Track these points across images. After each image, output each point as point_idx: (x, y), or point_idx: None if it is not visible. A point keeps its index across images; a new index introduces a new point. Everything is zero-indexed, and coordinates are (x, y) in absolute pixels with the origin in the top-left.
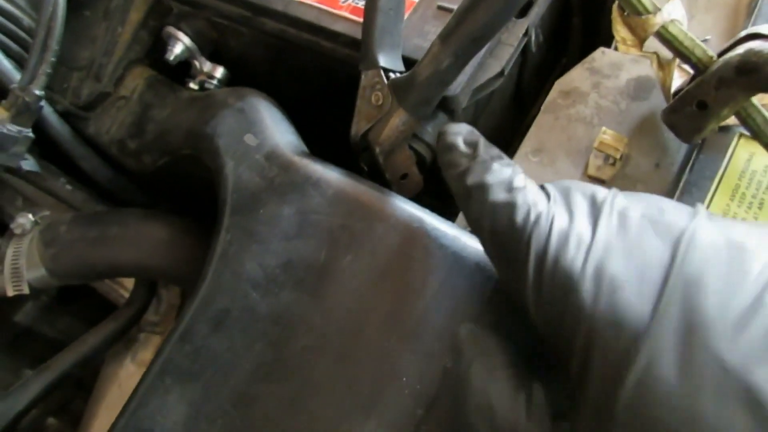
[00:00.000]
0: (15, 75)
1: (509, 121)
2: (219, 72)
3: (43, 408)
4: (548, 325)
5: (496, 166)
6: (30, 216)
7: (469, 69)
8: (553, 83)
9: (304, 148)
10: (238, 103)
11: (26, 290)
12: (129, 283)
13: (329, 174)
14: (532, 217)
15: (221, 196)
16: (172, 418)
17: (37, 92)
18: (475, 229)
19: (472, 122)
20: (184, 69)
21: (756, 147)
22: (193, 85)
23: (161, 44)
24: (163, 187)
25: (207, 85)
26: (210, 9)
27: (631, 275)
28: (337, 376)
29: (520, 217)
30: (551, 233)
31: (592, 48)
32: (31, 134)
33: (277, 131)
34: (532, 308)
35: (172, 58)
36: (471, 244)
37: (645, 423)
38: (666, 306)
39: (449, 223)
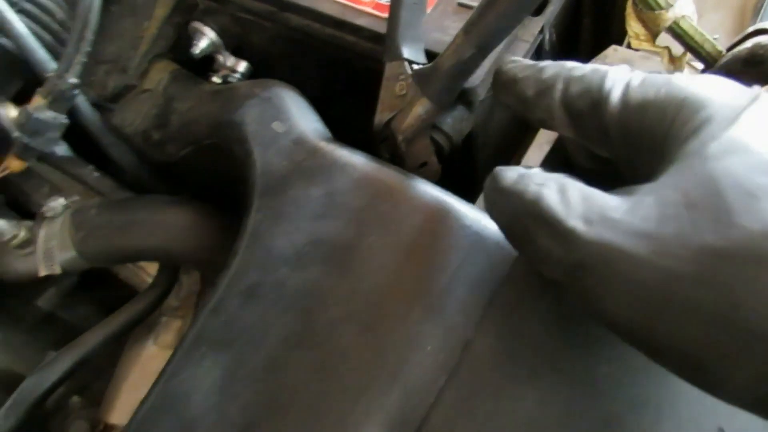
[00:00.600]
0: (51, 64)
1: (515, 133)
2: (242, 66)
3: (67, 387)
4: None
5: None
6: (62, 200)
7: (487, 63)
8: None
9: (330, 134)
10: (264, 92)
11: (58, 270)
12: (151, 269)
13: (355, 158)
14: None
15: (250, 180)
16: (207, 382)
17: (73, 80)
18: None
19: (488, 115)
20: (206, 64)
21: None
22: (216, 79)
23: (185, 39)
24: (185, 177)
25: (230, 79)
26: (235, 5)
27: None
28: (364, 346)
29: None
30: None
31: (602, 48)
32: (66, 120)
33: (304, 119)
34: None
35: (197, 52)
36: (490, 225)
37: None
38: None
39: (470, 204)
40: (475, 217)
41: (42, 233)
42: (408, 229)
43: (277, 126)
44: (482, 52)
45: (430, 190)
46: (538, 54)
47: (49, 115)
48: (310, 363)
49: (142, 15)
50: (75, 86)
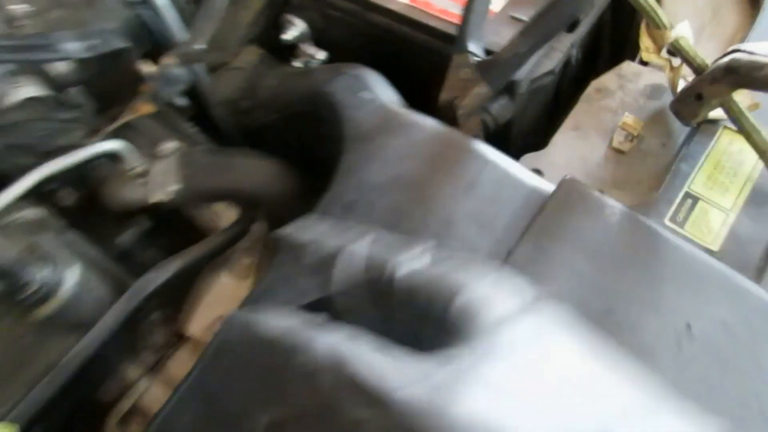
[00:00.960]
0: (183, 33)
1: (547, 116)
2: (321, 55)
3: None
4: None
5: None
6: (175, 143)
7: (528, 64)
8: (584, 91)
9: (406, 104)
10: (352, 71)
11: (165, 199)
12: (224, 220)
13: (427, 120)
14: None
15: (341, 134)
16: None
17: (201, 47)
18: None
19: (524, 108)
20: (286, 51)
21: (734, 135)
22: (297, 64)
23: (274, 29)
24: (264, 140)
25: (310, 64)
26: (325, 3)
27: None
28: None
29: None
30: None
31: (617, 62)
32: (190, 77)
33: (385, 91)
34: None
35: (289, 38)
36: (529, 175)
37: None
38: None
39: (514, 162)
40: (517, 167)
41: (156, 168)
42: (466, 171)
43: (364, 95)
44: (532, 50)
45: (484, 146)
46: (566, 65)
47: (178, 72)
48: None
49: (241, 5)
50: (202, 51)
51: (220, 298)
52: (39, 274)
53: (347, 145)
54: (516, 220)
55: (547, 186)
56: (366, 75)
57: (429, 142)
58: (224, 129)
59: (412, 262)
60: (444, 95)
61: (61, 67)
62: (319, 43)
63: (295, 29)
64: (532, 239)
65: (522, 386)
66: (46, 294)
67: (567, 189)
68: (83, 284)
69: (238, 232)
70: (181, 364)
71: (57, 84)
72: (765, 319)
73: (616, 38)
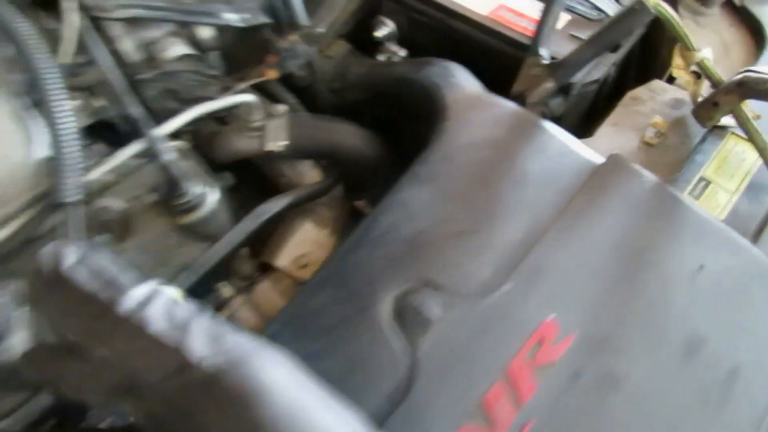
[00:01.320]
0: (306, 18)
1: (586, 117)
2: (402, 52)
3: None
4: None
5: None
6: (284, 106)
7: (581, 72)
8: (621, 99)
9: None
10: (440, 62)
11: (277, 149)
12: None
13: (507, 102)
14: None
15: (436, 109)
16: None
17: (321, 30)
18: None
19: (573, 106)
20: (368, 48)
21: (739, 140)
22: (381, 58)
23: (363, 29)
24: (350, 116)
25: (392, 59)
26: (413, 8)
27: None
28: (511, 183)
29: None
30: None
31: (645, 80)
32: (308, 52)
33: (470, 79)
34: None
35: (380, 35)
36: (577, 151)
37: None
38: None
39: (573, 138)
40: (576, 142)
41: (270, 124)
42: (538, 139)
43: (454, 80)
44: (590, 58)
45: (550, 123)
46: (606, 78)
47: (302, 48)
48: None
49: (335, 5)
50: (321, 34)
51: (305, 240)
52: (192, 189)
53: (443, 116)
54: (574, 180)
55: (599, 158)
56: (453, 66)
57: (510, 116)
58: (321, 102)
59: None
60: (516, 88)
61: (206, 34)
62: (401, 43)
63: (385, 29)
64: (585, 194)
65: None
66: (193, 206)
67: (614, 160)
68: (219, 205)
69: (323, 188)
70: (265, 291)
71: (202, 47)
72: (758, 270)
73: (642, 62)
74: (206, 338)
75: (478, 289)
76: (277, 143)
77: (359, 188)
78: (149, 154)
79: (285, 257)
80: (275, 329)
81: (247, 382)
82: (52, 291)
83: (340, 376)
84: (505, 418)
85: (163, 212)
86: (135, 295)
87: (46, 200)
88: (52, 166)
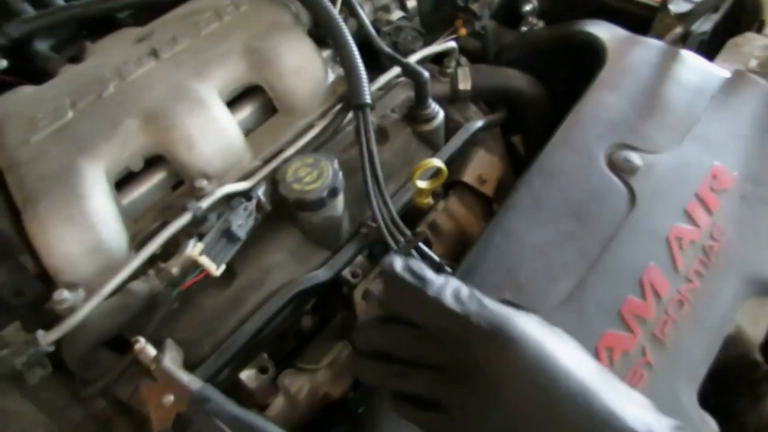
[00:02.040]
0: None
1: None
2: (541, 23)
3: None
4: None
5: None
6: (465, 59)
7: (696, 24)
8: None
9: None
10: (595, 21)
11: (465, 89)
12: None
13: (653, 40)
14: None
15: (597, 59)
16: None
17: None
18: None
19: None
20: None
21: None
22: (524, 29)
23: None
24: None
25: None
26: None
27: None
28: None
29: None
30: None
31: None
32: (486, 15)
33: (618, 29)
34: None
35: (528, 9)
36: (712, 67)
37: None
38: None
39: (707, 61)
40: (708, 63)
41: (460, 70)
42: (681, 62)
43: (608, 30)
44: (706, 11)
45: (689, 53)
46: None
47: (483, 11)
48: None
49: None
50: (494, 3)
51: (481, 162)
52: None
53: (604, 59)
54: (714, 86)
55: (725, 74)
56: (601, 21)
57: (658, 49)
58: (488, 59)
59: None
60: (651, 34)
61: (411, 3)
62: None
63: (529, 4)
64: (724, 92)
65: None
66: (432, 116)
67: (739, 73)
68: (443, 122)
69: (498, 119)
70: (455, 203)
71: (410, 13)
72: None
73: (736, 18)
74: (481, 307)
75: (666, 148)
76: (466, 84)
77: (516, 126)
78: (409, 75)
79: (469, 175)
80: None
81: (515, 331)
82: (392, 284)
83: None
84: (703, 222)
85: (407, 125)
86: (436, 283)
87: (343, 104)
88: (346, 81)
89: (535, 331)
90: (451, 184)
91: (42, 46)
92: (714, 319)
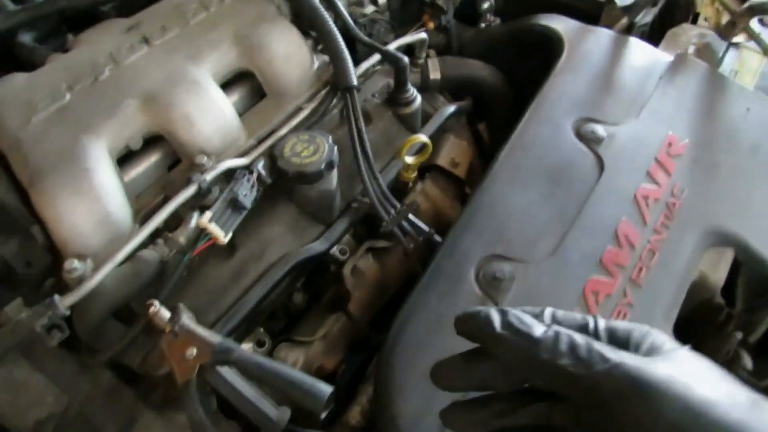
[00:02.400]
0: None
1: None
2: (498, 21)
3: None
4: None
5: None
6: (433, 51)
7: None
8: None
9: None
10: (546, 15)
11: (435, 78)
12: None
13: (603, 29)
14: None
15: (555, 49)
16: None
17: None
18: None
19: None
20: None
21: (748, 52)
22: (482, 26)
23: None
24: None
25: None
26: None
27: None
28: (605, 84)
29: None
30: None
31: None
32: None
33: (571, 21)
34: None
35: (485, 8)
36: (656, 54)
37: None
38: None
39: (653, 48)
40: (655, 50)
41: (430, 61)
42: (630, 50)
43: (563, 22)
44: (644, 6)
45: (636, 39)
46: (653, 24)
47: (448, 6)
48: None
49: None
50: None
51: (452, 147)
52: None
53: (560, 57)
54: (657, 70)
55: (668, 57)
56: (555, 15)
57: (610, 37)
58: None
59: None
60: (601, 25)
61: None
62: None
63: (488, 2)
64: (669, 74)
65: None
66: (412, 100)
67: (681, 56)
68: (420, 107)
69: (465, 107)
70: (430, 185)
71: (381, 8)
72: None
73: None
74: (604, 360)
75: (625, 122)
76: (436, 75)
77: (480, 114)
78: (389, 60)
79: (443, 159)
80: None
81: (654, 381)
82: (493, 344)
83: None
84: (664, 182)
85: (388, 109)
86: (546, 341)
87: (329, 88)
88: (332, 66)
89: (676, 374)
90: (426, 168)
91: (25, 38)
92: (681, 265)
